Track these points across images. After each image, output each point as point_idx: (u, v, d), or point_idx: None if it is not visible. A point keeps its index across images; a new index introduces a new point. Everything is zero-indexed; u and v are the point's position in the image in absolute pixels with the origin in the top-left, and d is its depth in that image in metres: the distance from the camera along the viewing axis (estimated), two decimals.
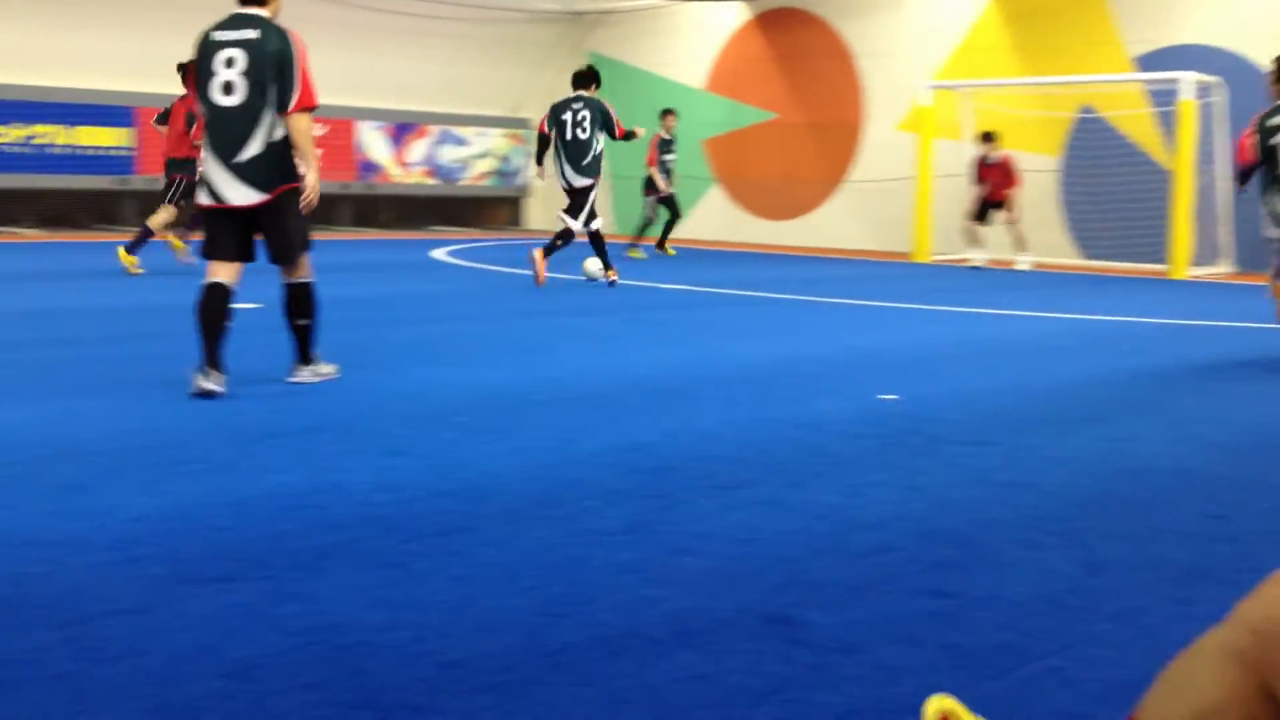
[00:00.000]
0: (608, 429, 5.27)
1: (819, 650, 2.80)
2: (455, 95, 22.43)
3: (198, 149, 7.85)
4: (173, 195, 11.93)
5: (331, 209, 21.62)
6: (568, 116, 11.91)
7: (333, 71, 19.91)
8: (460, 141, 22.72)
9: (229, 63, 5.79)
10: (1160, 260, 14.99)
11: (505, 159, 23.30)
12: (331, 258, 15.36)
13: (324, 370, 6.28)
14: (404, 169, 21.90)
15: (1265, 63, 15.05)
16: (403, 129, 21.83)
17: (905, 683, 2.63)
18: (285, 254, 6.04)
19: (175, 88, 12.16)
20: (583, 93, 12.15)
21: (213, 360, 5.76)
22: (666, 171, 16.65)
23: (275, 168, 5.86)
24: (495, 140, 23.17)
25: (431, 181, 22.43)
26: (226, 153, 5.83)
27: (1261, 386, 6.84)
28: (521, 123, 23.46)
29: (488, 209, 23.75)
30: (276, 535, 3.60)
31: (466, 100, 22.65)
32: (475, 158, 22.98)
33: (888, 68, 18.73)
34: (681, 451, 4.84)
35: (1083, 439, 5.28)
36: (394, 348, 7.68)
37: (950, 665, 2.73)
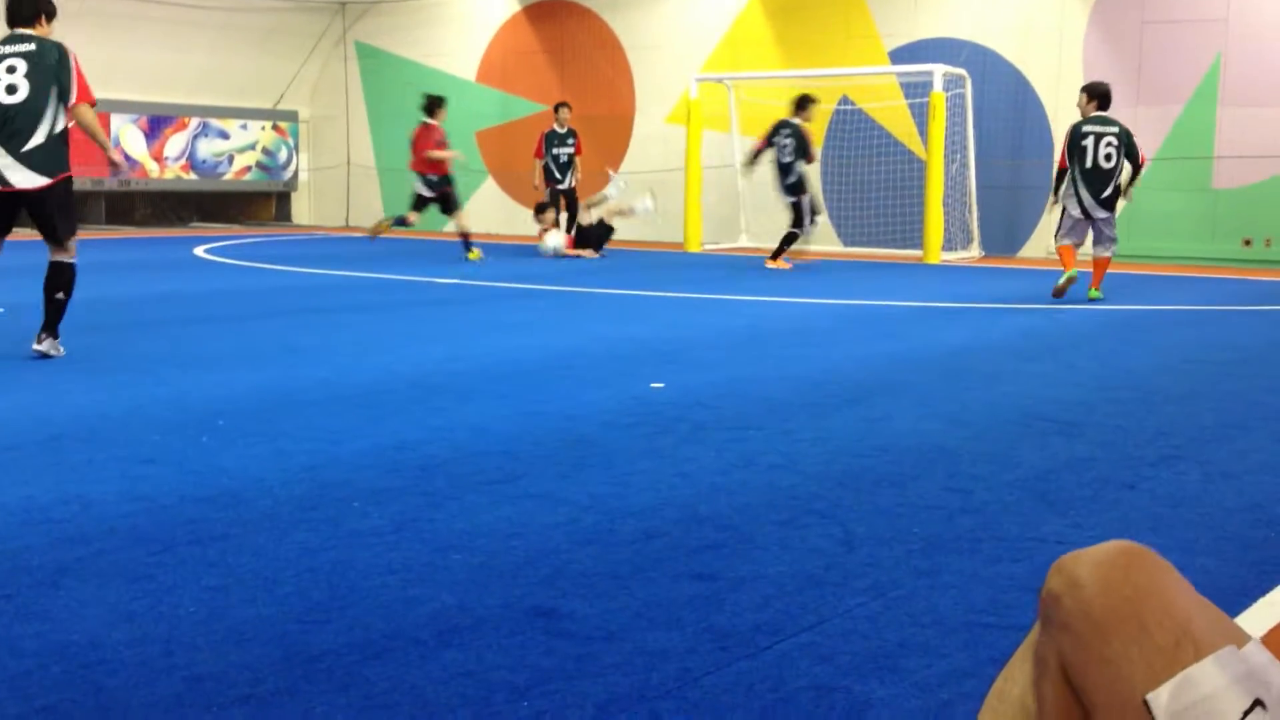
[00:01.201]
0: (374, 428, 5.17)
1: (582, 640, 2.82)
2: (217, 87, 21.64)
3: None
4: None
5: (84, 206, 20.59)
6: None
7: (87, 62, 19.09)
8: (222, 134, 21.92)
9: (10, 69, 6.79)
10: (916, 246, 15.67)
11: (270, 152, 22.61)
12: (86, 257, 14.64)
13: (60, 349, 6.94)
14: (161, 164, 20.99)
15: (1006, 55, 15.94)
16: (159, 122, 20.91)
17: (665, 667, 2.67)
18: (61, 233, 6.96)
19: None
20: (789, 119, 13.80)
21: None
22: (561, 166, 16.18)
23: (55, 156, 6.87)
24: (260, 133, 22.45)
25: (191, 176, 21.57)
26: (14, 144, 6.74)
27: (1003, 365, 7.23)
28: (288, 115, 22.81)
29: (253, 204, 23.01)
30: (15, 552, 3.40)
31: (229, 92, 21.88)
32: (239, 151, 22.21)
33: (657, 60, 18.99)
34: (449, 448, 4.79)
35: (840, 420, 5.47)
36: (149, 350, 7.36)
37: (711, 646, 2.79)
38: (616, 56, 19.55)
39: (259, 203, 23.11)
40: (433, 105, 14.77)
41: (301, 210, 23.40)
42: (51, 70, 6.83)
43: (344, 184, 22.94)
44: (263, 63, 22.16)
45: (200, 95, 21.52)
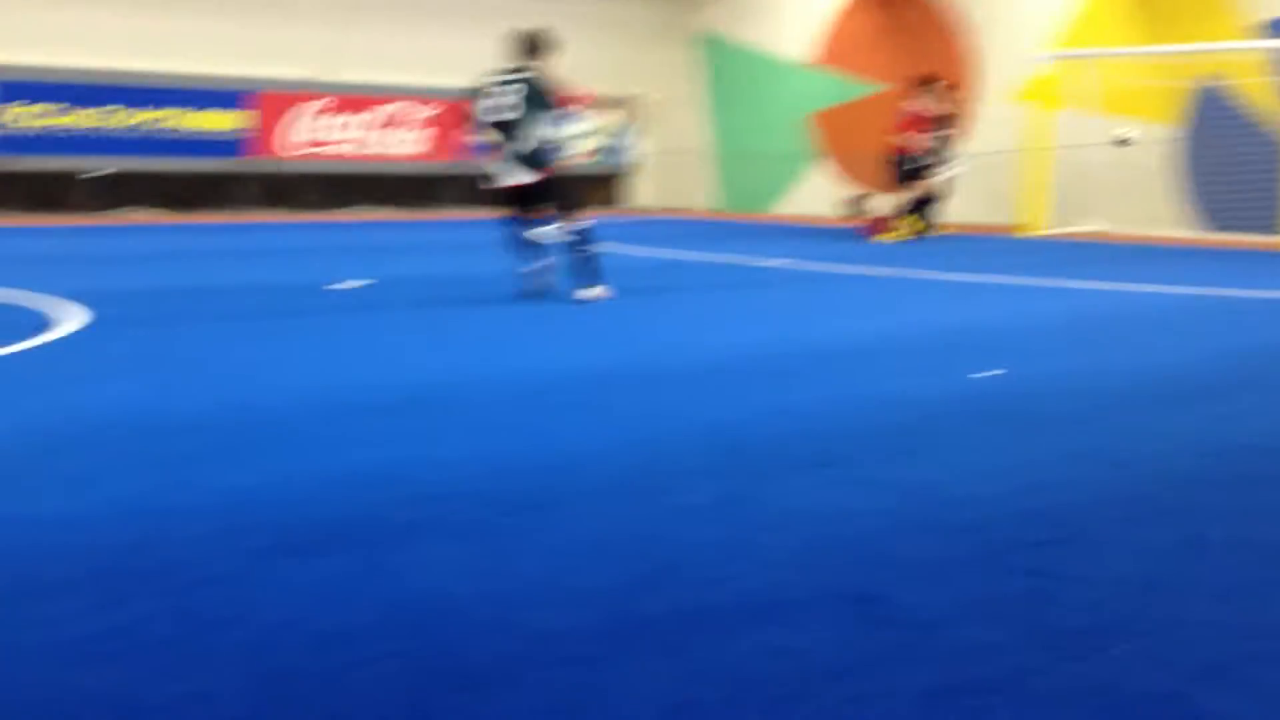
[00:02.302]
0: (701, 407, 5.27)
1: (903, 627, 2.78)
2: (565, 74, 22.50)
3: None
4: None
5: (439, 188, 21.89)
6: None
7: (444, 53, 20.35)
8: (569, 120, 22.80)
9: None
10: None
11: (615, 136, 23.35)
12: (465, 235, 15.56)
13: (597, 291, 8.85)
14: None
15: None
16: None
17: (992, 663, 2.60)
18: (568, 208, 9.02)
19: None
20: None
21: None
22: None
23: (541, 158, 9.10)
24: (605, 118, 23.23)
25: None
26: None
27: None
28: (630, 100, 23.52)
29: (596, 187, 23.84)
30: (372, 506, 3.68)
31: (576, 79, 22.71)
32: (585, 135, 23.03)
33: (1003, 37, 18.32)
34: (773, 430, 4.82)
35: (1189, 416, 5.14)
36: (495, 325, 7.77)
37: (1040, 645, 2.69)
38: (960, 35, 18.99)
39: (603, 185, 23.94)
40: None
41: (644, 192, 24.04)
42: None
43: (685, 168, 23.40)
44: (606, 50, 22.87)
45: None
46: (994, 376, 5.98)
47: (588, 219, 9.10)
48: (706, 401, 5.37)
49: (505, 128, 9.02)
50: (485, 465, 4.19)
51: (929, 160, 15.30)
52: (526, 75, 9.10)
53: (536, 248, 9.16)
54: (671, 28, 23.24)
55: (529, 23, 21.75)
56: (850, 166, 20.51)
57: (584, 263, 8.96)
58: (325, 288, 9.43)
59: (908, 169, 15.30)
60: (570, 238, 8.99)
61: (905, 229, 15.23)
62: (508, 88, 9.01)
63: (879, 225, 15.56)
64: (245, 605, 2.86)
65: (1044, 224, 16.44)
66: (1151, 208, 16.37)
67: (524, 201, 9.09)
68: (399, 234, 16.12)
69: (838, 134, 20.69)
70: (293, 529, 3.45)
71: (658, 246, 14.22)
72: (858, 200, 15.61)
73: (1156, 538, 3.48)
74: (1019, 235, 16.37)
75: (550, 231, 9.12)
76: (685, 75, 23.17)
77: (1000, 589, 3.06)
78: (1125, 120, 15.73)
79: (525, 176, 9.03)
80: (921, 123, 15.29)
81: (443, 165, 20.97)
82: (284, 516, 3.57)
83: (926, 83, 15.43)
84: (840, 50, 20.65)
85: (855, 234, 15.79)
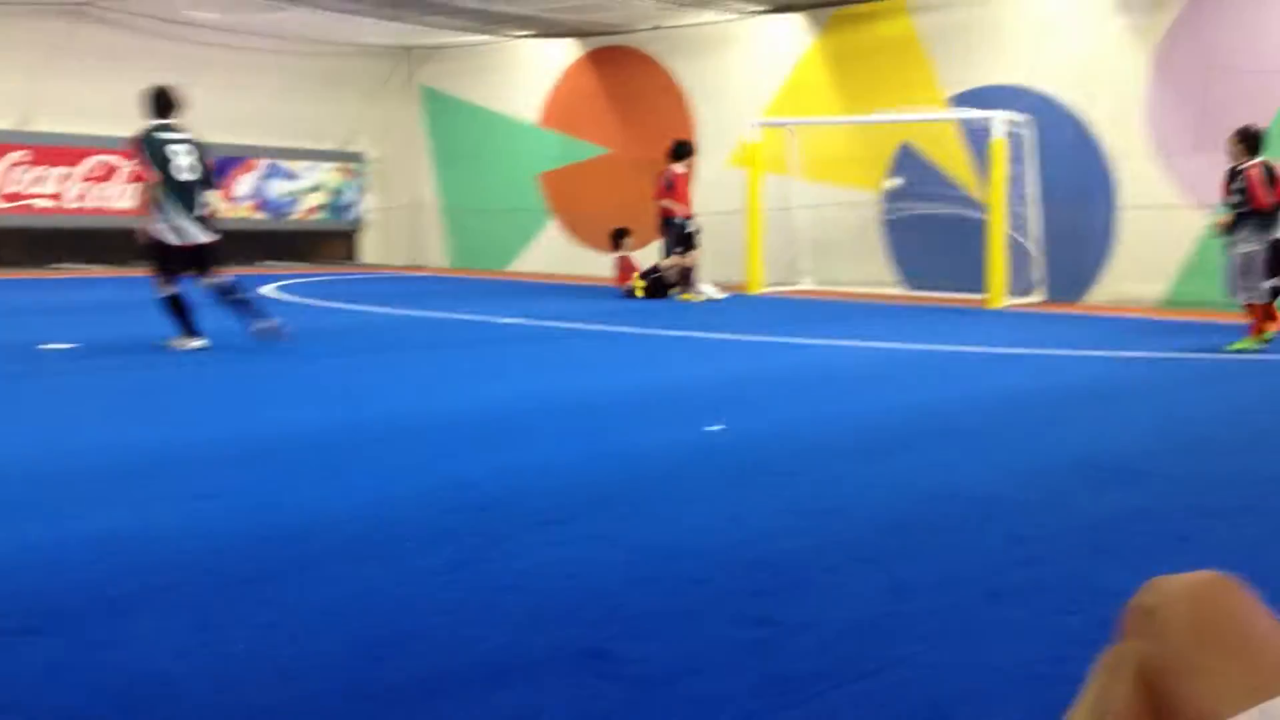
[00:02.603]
0: (434, 466, 5.23)
1: (635, 683, 2.83)
2: (285, 129, 22.05)
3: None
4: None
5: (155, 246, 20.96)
6: None
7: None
8: (290, 175, 22.33)
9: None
10: (978, 290, 15.58)
11: (338, 193, 23.00)
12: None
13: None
14: (230, 204, 21.38)
15: (1067, 100, 15.87)
16: (228, 163, 21.32)
17: (719, 712, 2.67)
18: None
19: None
20: None
21: None
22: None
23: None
24: (327, 174, 22.85)
25: (259, 216, 21.96)
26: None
27: (1064, 411, 7.17)
28: (354, 156, 23.20)
29: (320, 243, 23.38)
30: (84, 582, 3.47)
31: (297, 134, 22.28)
32: (306, 191, 22.61)
33: (718, 105, 19.10)
34: (507, 487, 4.83)
35: (896, 465, 5.45)
36: (213, 386, 7.50)
37: (765, 692, 2.79)
38: (677, 101, 19.69)
39: (326, 242, 23.47)
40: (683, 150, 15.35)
41: (368, 249, 23.72)
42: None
43: (409, 224, 23.23)
44: (330, 105, 22.54)
45: (268, 137, 21.94)
46: (719, 430, 6.18)
47: (229, 275, 9.51)
48: (439, 461, 5.33)
49: (184, 188, 9.17)
50: (204, 534, 4.03)
51: (691, 226, 15.88)
52: (189, 135, 9.31)
53: (243, 302, 9.36)
54: (399, 83, 23.12)
55: (251, 76, 21.26)
56: (576, 227, 20.87)
57: (242, 305, 9.32)
58: (41, 347, 8.91)
59: (683, 232, 15.84)
60: (220, 289, 9.34)
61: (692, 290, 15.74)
62: (180, 148, 9.16)
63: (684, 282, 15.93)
64: None
65: (760, 283, 17.15)
66: (857, 268, 17.38)
67: (199, 262, 9.33)
68: (110, 291, 15.33)
69: (564, 194, 21.03)
70: None
71: (386, 305, 14.04)
72: (652, 272, 15.98)
73: (870, 582, 3.67)
74: (745, 293, 17.01)
75: (214, 284, 9.33)
76: (412, 131, 23.07)
77: (727, 639, 3.15)
78: (828, 184, 16.68)
79: (203, 236, 9.34)
80: (679, 188, 15.88)
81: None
82: None
83: (680, 153, 15.94)
84: (566, 111, 21.04)
85: (625, 294, 15.93)
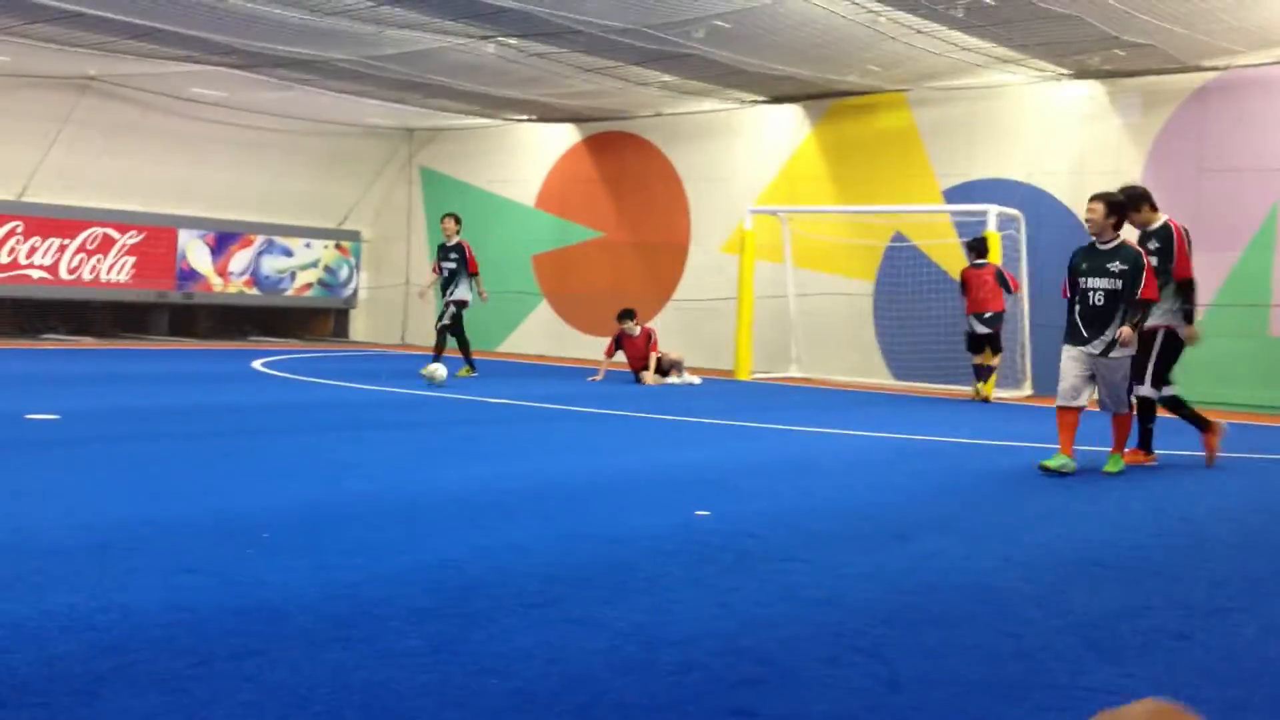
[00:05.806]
0: (416, 545, 5.16)
1: None
2: (283, 206, 22.18)
3: None
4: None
5: (147, 317, 21.02)
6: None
7: (158, 180, 19.68)
8: (286, 252, 22.40)
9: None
10: (967, 382, 15.59)
11: (332, 270, 23.06)
12: (147, 367, 14.91)
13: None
14: (225, 278, 21.42)
15: (1060, 196, 16.03)
16: (226, 238, 21.41)
17: None
18: None
19: None
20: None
21: None
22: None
23: None
24: (323, 251, 22.94)
25: (253, 291, 21.99)
26: None
27: (1056, 505, 7.12)
28: (350, 234, 23.32)
29: (312, 320, 23.40)
30: (54, 659, 3.39)
31: (295, 211, 22.41)
32: (301, 268, 22.67)
33: (713, 192, 19.27)
34: (490, 568, 4.76)
35: (888, 555, 5.39)
36: (200, 460, 7.43)
37: None
38: (673, 187, 19.85)
39: (318, 319, 23.49)
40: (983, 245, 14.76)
41: (359, 327, 23.74)
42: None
43: (402, 303, 23.28)
44: (328, 184, 22.71)
45: (266, 214, 22.06)
46: (708, 516, 6.12)
47: None
48: (423, 540, 5.26)
49: None
50: (180, 612, 3.94)
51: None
52: None
53: None
54: (398, 163, 23.31)
55: (254, 153, 21.51)
56: (565, 309, 20.93)
57: None
58: (27, 417, 8.83)
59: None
60: None
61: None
62: None
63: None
64: None
65: (750, 369, 17.16)
66: (845, 357, 17.44)
67: None
68: (100, 363, 15.28)
69: (557, 276, 21.12)
70: None
71: (375, 382, 14.01)
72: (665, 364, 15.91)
73: (857, 676, 3.59)
74: (736, 379, 17.00)
75: None
76: (409, 210, 23.22)
77: None
78: (820, 272, 16.76)
79: None
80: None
81: (149, 293, 20.16)
82: None
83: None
84: (561, 194, 21.20)
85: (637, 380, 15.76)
